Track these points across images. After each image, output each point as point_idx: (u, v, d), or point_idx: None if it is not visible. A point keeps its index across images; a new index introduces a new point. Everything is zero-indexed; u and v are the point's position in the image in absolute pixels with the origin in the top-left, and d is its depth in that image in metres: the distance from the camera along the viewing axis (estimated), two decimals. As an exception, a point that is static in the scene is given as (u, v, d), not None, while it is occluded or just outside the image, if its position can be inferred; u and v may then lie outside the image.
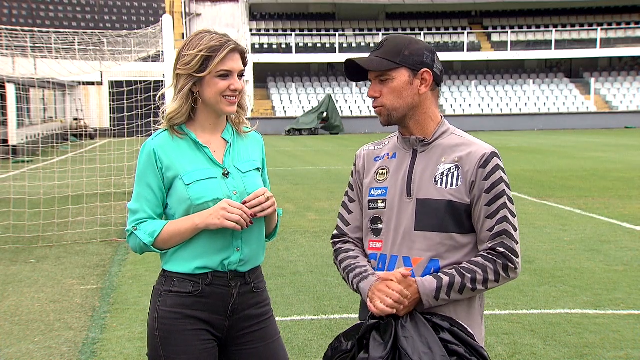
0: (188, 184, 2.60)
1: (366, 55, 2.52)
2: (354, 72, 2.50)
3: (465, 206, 2.40)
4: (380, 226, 2.50)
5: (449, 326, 2.35)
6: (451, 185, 2.40)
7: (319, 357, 5.02)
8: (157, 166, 2.62)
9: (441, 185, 2.41)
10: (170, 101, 2.66)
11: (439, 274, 2.37)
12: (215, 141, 2.69)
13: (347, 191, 2.66)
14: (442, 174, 2.42)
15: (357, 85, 46.11)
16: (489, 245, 2.39)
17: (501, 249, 2.38)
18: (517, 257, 2.40)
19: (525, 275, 7.21)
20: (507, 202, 2.40)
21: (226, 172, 2.66)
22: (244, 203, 2.59)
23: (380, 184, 2.51)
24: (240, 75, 2.65)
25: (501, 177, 2.41)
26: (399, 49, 2.43)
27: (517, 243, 2.41)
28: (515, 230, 2.41)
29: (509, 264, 2.38)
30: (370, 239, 2.54)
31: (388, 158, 2.54)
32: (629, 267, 7.64)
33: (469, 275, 2.36)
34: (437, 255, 2.41)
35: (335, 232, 2.67)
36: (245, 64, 2.67)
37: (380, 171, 2.53)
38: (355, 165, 2.65)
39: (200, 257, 2.62)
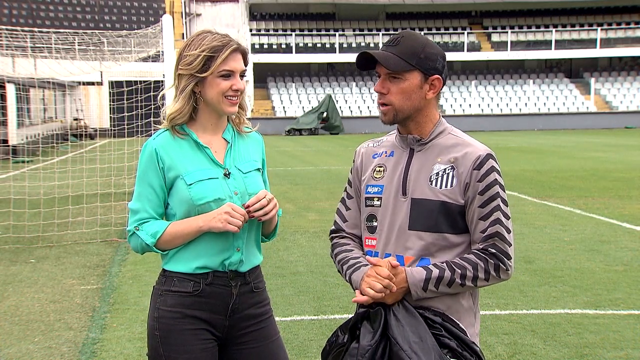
0: (190, 184, 2.60)
1: (399, 32, 2.52)
2: (364, 61, 2.48)
3: (459, 207, 2.41)
4: (375, 224, 2.52)
5: (441, 321, 2.38)
6: (445, 186, 2.41)
7: (319, 357, 5.02)
8: (159, 166, 2.62)
9: (436, 185, 2.42)
10: (172, 101, 2.66)
11: (429, 266, 2.39)
12: (216, 141, 2.69)
13: (346, 187, 2.69)
14: (437, 174, 2.43)
15: (357, 85, 46.12)
16: (481, 247, 2.41)
17: (493, 250, 2.40)
18: (509, 259, 2.42)
19: (525, 275, 7.21)
20: (501, 204, 2.41)
21: (227, 173, 2.66)
22: (247, 207, 2.59)
23: (377, 181, 2.53)
24: (242, 75, 2.65)
25: (495, 179, 2.41)
26: (416, 51, 2.42)
27: (510, 245, 2.42)
28: (509, 232, 2.42)
29: (501, 265, 2.40)
30: (366, 236, 2.56)
31: (386, 156, 2.56)
32: (629, 267, 7.64)
33: (459, 271, 2.37)
34: (429, 254, 2.43)
35: (332, 227, 2.70)
36: (246, 64, 2.67)
37: (378, 169, 2.55)
38: (354, 162, 2.67)
39: (200, 257, 2.62)
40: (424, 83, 2.44)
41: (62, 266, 8.17)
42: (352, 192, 2.64)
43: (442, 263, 2.39)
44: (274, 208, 2.63)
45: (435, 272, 2.37)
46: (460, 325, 2.41)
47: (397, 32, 2.52)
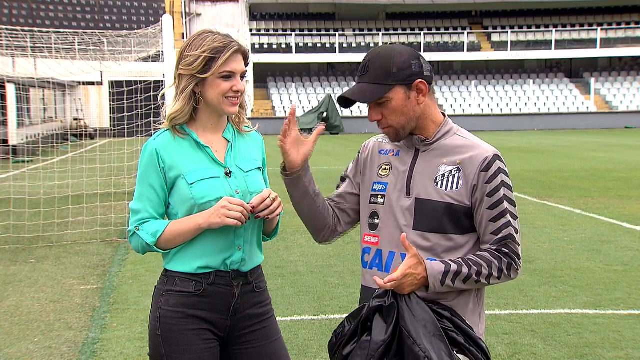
0: (191, 184, 2.60)
1: (365, 56, 2.52)
2: (347, 101, 2.49)
3: (465, 209, 2.42)
4: (377, 221, 2.51)
5: (450, 315, 2.38)
6: (451, 188, 2.41)
7: (319, 357, 5.02)
8: (160, 166, 2.62)
9: (441, 186, 2.42)
10: (172, 101, 2.66)
11: (447, 260, 2.40)
12: (216, 141, 2.69)
13: (341, 175, 2.73)
14: (443, 175, 2.43)
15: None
16: (493, 248, 2.42)
17: (506, 250, 2.41)
18: (520, 258, 2.45)
19: (525, 275, 7.21)
20: (509, 205, 2.42)
21: (228, 172, 2.66)
22: (252, 207, 2.58)
23: (382, 179, 2.53)
24: (242, 76, 2.65)
25: (503, 180, 2.42)
26: (386, 69, 2.40)
27: (519, 245, 2.45)
28: (517, 232, 2.44)
29: (513, 264, 2.42)
30: (366, 232, 2.56)
31: (393, 154, 2.56)
32: (629, 267, 7.64)
33: (475, 268, 2.38)
34: (434, 254, 2.42)
35: None
36: (247, 65, 2.68)
37: (384, 166, 2.55)
38: (360, 153, 2.68)
39: (202, 256, 2.62)
40: (409, 92, 2.43)
41: (62, 266, 8.17)
42: (346, 176, 2.68)
43: (458, 259, 2.40)
44: (279, 206, 2.63)
45: (454, 266, 2.37)
46: (467, 322, 2.42)
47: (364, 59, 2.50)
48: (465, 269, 2.37)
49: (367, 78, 2.43)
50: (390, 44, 2.80)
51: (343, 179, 2.71)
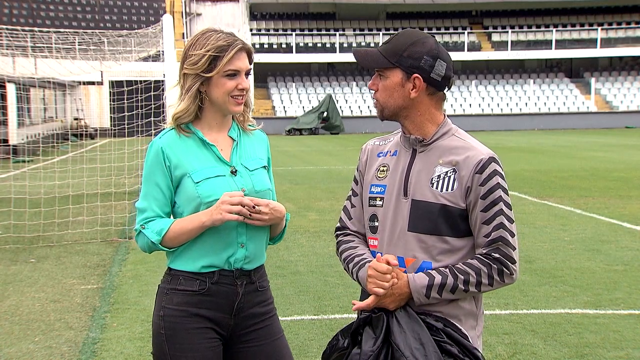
0: (197, 182, 2.60)
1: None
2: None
3: (460, 211, 2.39)
4: (376, 224, 2.50)
5: (443, 326, 2.36)
6: (446, 190, 2.39)
7: (319, 357, 5.02)
8: (165, 165, 2.62)
9: (436, 188, 2.40)
10: (177, 100, 2.66)
11: (432, 271, 2.37)
12: (222, 139, 2.70)
13: (352, 185, 2.68)
14: (439, 176, 2.41)
15: (357, 85, 46.12)
16: (484, 251, 2.38)
17: (496, 255, 2.37)
18: (514, 263, 2.38)
19: (525, 275, 7.21)
20: (504, 208, 2.38)
21: (234, 170, 2.66)
22: (253, 207, 2.58)
23: (380, 181, 2.52)
24: (247, 74, 2.66)
25: (498, 182, 2.38)
26: (399, 49, 2.41)
27: (514, 249, 2.38)
28: (513, 236, 2.39)
29: (504, 269, 2.37)
30: (369, 236, 2.55)
31: (390, 155, 2.54)
32: (629, 267, 7.64)
33: (462, 277, 2.35)
34: (430, 257, 2.40)
35: (338, 224, 2.69)
36: (251, 63, 2.68)
37: (381, 168, 2.54)
38: (360, 159, 2.66)
39: (206, 255, 2.63)
40: (405, 82, 2.42)
41: (63, 266, 8.17)
42: (358, 190, 2.63)
43: (445, 269, 2.37)
44: (267, 215, 2.59)
45: (438, 278, 2.35)
46: (462, 330, 2.40)
47: (396, 32, 2.53)
48: (450, 279, 2.34)
49: (383, 47, 2.46)
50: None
51: (356, 194, 2.63)
